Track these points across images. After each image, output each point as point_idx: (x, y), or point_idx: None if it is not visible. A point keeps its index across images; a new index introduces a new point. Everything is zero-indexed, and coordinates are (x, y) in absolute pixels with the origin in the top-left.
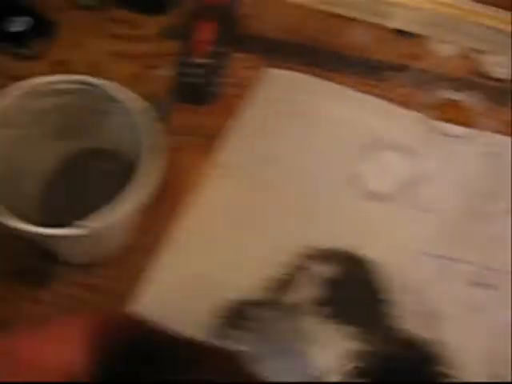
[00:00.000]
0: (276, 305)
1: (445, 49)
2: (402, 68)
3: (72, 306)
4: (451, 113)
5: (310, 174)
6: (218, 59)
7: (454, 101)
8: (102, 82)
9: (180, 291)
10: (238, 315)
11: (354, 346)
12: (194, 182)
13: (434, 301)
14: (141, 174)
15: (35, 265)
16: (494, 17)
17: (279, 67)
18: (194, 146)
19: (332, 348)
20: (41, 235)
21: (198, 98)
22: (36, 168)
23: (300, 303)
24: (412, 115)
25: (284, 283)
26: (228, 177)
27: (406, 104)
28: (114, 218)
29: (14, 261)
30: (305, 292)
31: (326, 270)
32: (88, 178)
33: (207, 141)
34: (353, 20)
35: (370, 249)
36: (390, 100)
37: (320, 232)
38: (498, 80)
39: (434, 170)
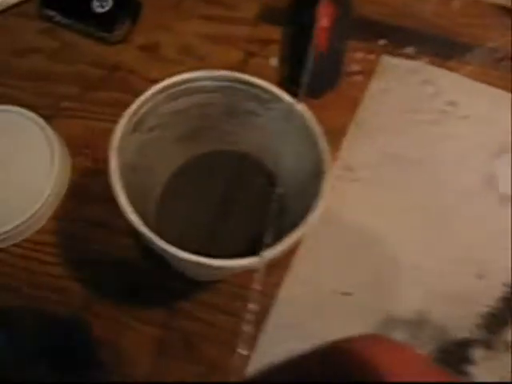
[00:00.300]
0: (494, 344)
1: None
2: None
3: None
4: None
5: (444, 179)
6: (339, 48)
7: None
8: (258, 81)
9: None
10: (455, 355)
11: None
12: None
13: None
14: (310, 197)
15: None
16: None
17: (398, 55)
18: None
19: None
20: (210, 266)
21: (317, 91)
22: (161, 172)
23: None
24: None
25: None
26: (355, 180)
27: None
28: (284, 247)
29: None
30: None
31: None
32: (209, 181)
33: (330, 137)
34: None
35: None
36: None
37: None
38: None
39: None
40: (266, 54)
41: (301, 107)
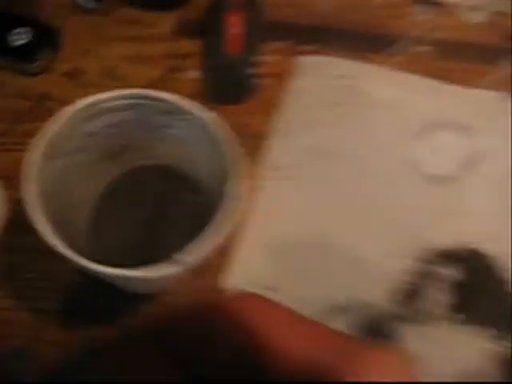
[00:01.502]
0: (406, 317)
1: (475, 15)
2: (435, 42)
3: None
4: (490, 80)
5: (368, 166)
6: (251, 52)
7: (490, 66)
8: (164, 95)
9: None
10: (373, 332)
11: (495, 347)
12: (250, 187)
13: None
14: (223, 203)
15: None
16: None
17: (314, 53)
18: (240, 148)
19: (473, 351)
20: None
21: (236, 97)
22: (87, 194)
23: (430, 312)
24: (462, 91)
25: (409, 293)
26: (284, 179)
27: (447, 78)
28: (208, 250)
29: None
30: (433, 300)
31: (450, 273)
32: (139, 197)
33: (253, 140)
34: None
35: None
36: (431, 76)
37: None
38: None
39: (494, 145)
40: (185, 68)
41: (208, 116)
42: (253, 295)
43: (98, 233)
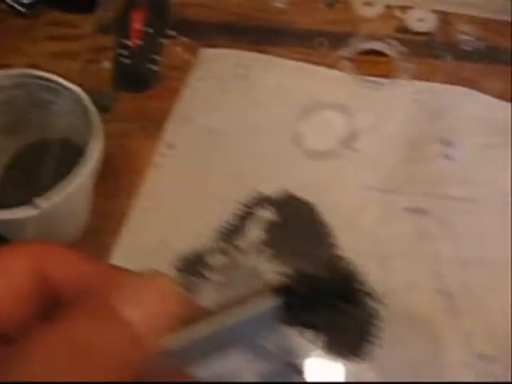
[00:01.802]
0: (228, 251)
1: (369, 10)
2: (330, 34)
3: None
4: (380, 69)
5: (254, 141)
6: (153, 45)
7: (382, 57)
8: (46, 74)
9: (141, 259)
10: (197, 265)
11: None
12: (145, 164)
13: (380, 240)
14: (85, 156)
15: None
16: None
17: (216, 47)
18: (142, 130)
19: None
20: None
21: (139, 85)
22: None
23: (249, 246)
24: (343, 75)
25: (234, 230)
26: (175, 156)
27: (335, 66)
28: (61, 196)
29: None
30: (252, 236)
31: (270, 215)
32: (39, 169)
33: (154, 124)
34: None
35: (315, 196)
36: (321, 64)
37: (267, 182)
38: (421, 34)
39: (370, 123)
40: (100, 60)
41: (81, 91)
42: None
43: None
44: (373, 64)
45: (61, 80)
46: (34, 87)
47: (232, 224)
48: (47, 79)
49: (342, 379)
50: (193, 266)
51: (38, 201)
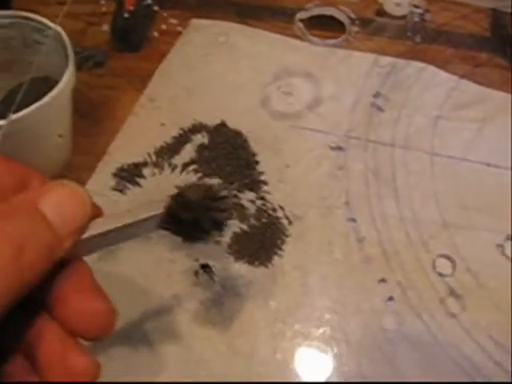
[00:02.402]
0: (161, 165)
1: None
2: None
3: None
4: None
5: (225, 101)
6: (147, 13)
7: (354, 34)
8: (35, 15)
9: None
10: (133, 173)
11: None
12: (127, 113)
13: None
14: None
15: None
16: None
17: (206, 18)
18: (129, 84)
19: None
20: None
21: (131, 46)
22: None
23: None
24: (312, 47)
25: (170, 149)
26: (153, 108)
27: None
28: (29, 110)
29: None
30: (185, 156)
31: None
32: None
33: (140, 80)
34: None
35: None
36: (297, 37)
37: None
38: (399, 17)
39: (333, 91)
40: (100, 23)
41: (61, 30)
42: None
43: None
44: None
45: (46, 20)
46: (27, 28)
47: (169, 144)
48: (35, 20)
49: None
50: (129, 174)
51: (11, 116)
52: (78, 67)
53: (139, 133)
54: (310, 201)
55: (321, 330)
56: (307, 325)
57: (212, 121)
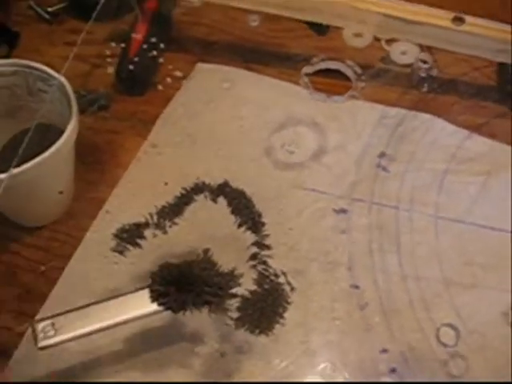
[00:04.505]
0: (163, 226)
1: (357, 40)
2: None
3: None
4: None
5: (229, 149)
6: (153, 57)
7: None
8: (39, 65)
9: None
10: (133, 234)
11: None
12: (130, 160)
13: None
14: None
15: None
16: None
17: (212, 62)
18: (132, 129)
19: None
20: None
21: (135, 90)
22: None
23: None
24: (318, 95)
25: (173, 210)
26: (156, 154)
27: (316, 88)
28: (30, 164)
29: None
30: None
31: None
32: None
33: (144, 125)
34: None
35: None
36: (304, 86)
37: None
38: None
39: (339, 141)
40: (106, 65)
41: (65, 80)
42: None
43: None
44: (339, 87)
45: (50, 70)
46: (31, 77)
47: (171, 204)
48: (39, 69)
49: None
50: (130, 235)
51: (12, 170)
52: (82, 110)
53: (141, 188)
54: (313, 255)
55: None
56: None
57: (216, 174)
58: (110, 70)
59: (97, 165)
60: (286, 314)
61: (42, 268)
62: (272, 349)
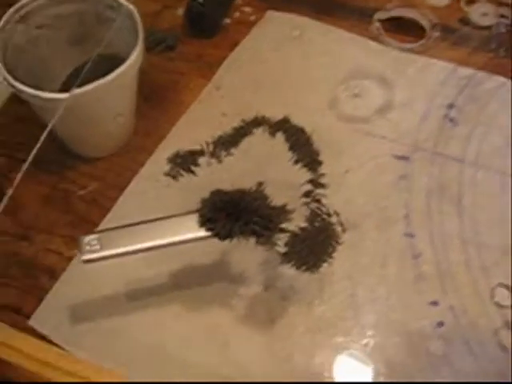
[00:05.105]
0: (218, 155)
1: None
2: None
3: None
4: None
5: (292, 97)
6: (224, 1)
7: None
8: None
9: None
10: (187, 161)
11: None
12: (192, 99)
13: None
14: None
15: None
16: None
17: (283, 10)
18: (197, 71)
19: None
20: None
21: (204, 32)
22: (58, 69)
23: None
24: (389, 49)
25: (229, 140)
26: (219, 96)
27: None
28: (91, 86)
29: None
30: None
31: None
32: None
33: (209, 68)
34: None
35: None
36: (373, 39)
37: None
38: (483, 28)
39: (406, 97)
40: (176, 6)
41: (134, 8)
42: None
43: None
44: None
45: None
46: (101, 5)
47: (228, 135)
48: None
49: None
50: (184, 161)
51: (75, 90)
52: (149, 49)
53: (200, 121)
54: (368, 209)
55: (361, 346)
56: (348, 339)
57: (275, 116)
58: (180, 11)
59: (159, 102)
60: (335, 254)
61: (97, 197)
62: (316, 299)
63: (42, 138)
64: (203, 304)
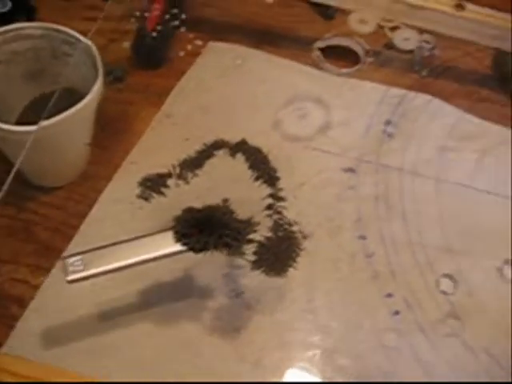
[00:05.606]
0: (184, 176)
1: (362, 27)
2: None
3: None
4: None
5: (239, 121)
6: (168, 33)
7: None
8: (65, 28)
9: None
10: (157, 183)
11: None
12: (144, 128)
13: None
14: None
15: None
16: None
17: (223, 41)
18: (147, 100)
19: None
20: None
21: (151, 63)
22: (13, 102)
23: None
24: (325, 74)
25: (194, 163)
26: (170, 124)
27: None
28: (57, 119)
29: None
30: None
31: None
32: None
33: (158, 97)
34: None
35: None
36: (311, 65)
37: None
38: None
39: (343, 117)
40: (122, 40)
41: (92, 44)
42: None
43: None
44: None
45: (77, 34)
46: (57, 40)
47: (192, 158)
48: (66, 33)
49: None
50: (154, 184)
51: (42, 122)
52: None
53: (160, 146)
54: (319, 220)
55: (322, 346)
56: (309, 340)
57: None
58: (126, 44)
59: (112, 132)
60: (298, 259)
61: (59, 225)
62: (278, 306)
63: (12, 173)
64: (173, 319)
